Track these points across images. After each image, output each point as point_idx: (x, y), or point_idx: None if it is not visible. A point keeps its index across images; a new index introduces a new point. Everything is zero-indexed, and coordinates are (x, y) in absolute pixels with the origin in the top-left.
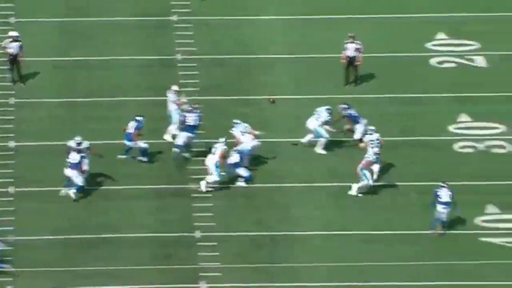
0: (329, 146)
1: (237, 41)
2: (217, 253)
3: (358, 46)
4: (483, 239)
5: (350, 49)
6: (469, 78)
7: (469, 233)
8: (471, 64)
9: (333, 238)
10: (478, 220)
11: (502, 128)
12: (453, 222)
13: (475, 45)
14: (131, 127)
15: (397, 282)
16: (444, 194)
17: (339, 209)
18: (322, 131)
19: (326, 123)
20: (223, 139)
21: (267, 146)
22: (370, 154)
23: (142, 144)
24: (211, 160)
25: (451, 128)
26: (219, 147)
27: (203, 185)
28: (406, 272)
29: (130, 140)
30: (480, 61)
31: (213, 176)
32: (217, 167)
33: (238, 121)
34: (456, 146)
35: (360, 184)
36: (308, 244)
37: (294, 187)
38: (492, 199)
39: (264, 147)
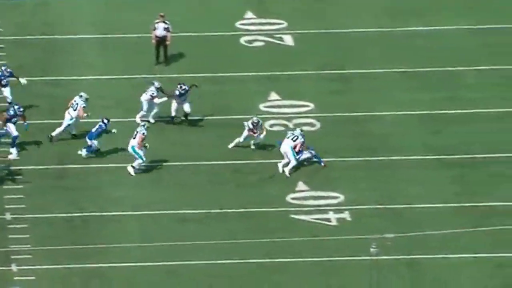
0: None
1: (44, 22)
2: (28, 235)
3: (167, 26)
4: (294, 216)
5: (160, 28)
6: (278, 57)
7: (280, 210)
8: (280, 42)
9: (145, 218)
10: (289, 198)
11: (311, 105)
12: (264, 200)
13: (283, 23)
14: None
15: (211, 261)
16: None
17: (151, 189)
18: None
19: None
20: (143, 124)
21: (78, 127)
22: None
23: None
24: (130, 144)
25: (261, 106)
26: (139, 132)
27: (131, 170)
28: (219, 250)
29: None
30: (288, 39)
31: (138, 160)
32: (135, 151)
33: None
34: (267, 124)
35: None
36: (121, 225)
37: (108, 167)
38: (302, 177)
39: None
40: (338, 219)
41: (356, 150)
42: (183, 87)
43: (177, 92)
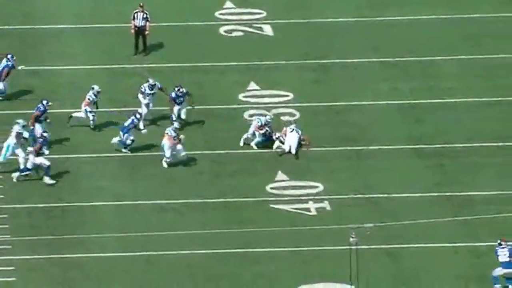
0: (121, 117)
1: (23, 12)
2: (7, 226)
3: (146, 15)
4: (273, 206)
5: (139, 18)
6: (257, 47)
7: (259, 200)
8: (259, 32)
9: (124, 208)
10: (268, 187)
11: (291, 95)
12: (244, 189)
13: (262, 13)
14: None
15: (190, 251)
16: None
17: (130, 180)
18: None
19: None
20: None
21: (59, 117)
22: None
23: None
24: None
25: (240, 96)
26: (167, 132)
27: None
28: (198, 240)
29: None
30: (267, 29)
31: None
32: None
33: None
34: (246, 114)
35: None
36: (100, 215)
37: (85, 158)
38: (281, 167)
39: (56, 118)
40: (318, 209)
41: (335, 140)
42: (181, 89)
43: (173, 94)
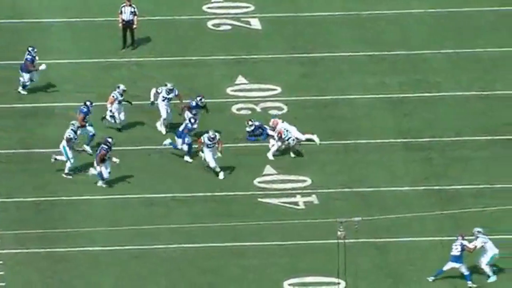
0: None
1: (11, 6)
2: None
3: (134, 10)
4: (261, 199)
5: (127, 12)
6: (245, 40)
7: (247, 194)
8: (247, 26)
9: (112, 202)
10: (256, 181)
11: (278, 89)
12: (231, 183)
13: (250, 7)
14: None
15: (178, 245)
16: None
17: (118, 173)
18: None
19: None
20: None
21: (45, 110)
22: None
23: None
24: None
25: (228, 90)
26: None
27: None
28: (186, 234)
29: None
30: (255, 23)
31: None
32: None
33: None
34: (234, 108)
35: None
36: (88, 209)
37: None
38: (269, 160)
39: (43, 111)
40: (306, 203)
41: (323, 133)
42: (203, 100)
43: (193, 103)
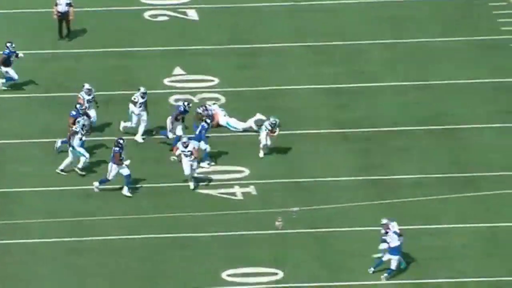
0: (44, 102)
1: None
2: None
3: (69, 1)
4: (199, 191)
5: (62, 4)
6: (182, 31)
7: (186, 185)
8: (184, 17)
9: (49, 194)
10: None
11: (216, 80)
12: (169, 175)
13: None
14: None
15: (116, 237)
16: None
17: (55, 166)
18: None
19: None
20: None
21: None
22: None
23: None
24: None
25: (166, 81)
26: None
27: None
28: (124, 226)
29: None
30: (192, 14)
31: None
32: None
33: None
34: (172, 99)
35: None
36: (25, 201)
37: (10, 143)
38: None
39: None
40: (244, 194)
41: (261, 124)
42: (190, 105)
43: (181, 109)
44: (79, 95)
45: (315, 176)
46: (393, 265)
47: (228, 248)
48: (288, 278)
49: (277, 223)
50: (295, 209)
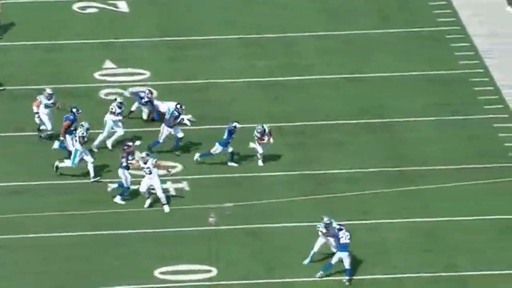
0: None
1: None
2: None
3: None
4: (131, 186)
5: None
6: (112, 24)
7: (115, 181)
8: (114, 9)
9: None
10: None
11: (147, 73)
12: (99, 171)
13: None
14: None
15: (43, 234)
16: None
17: None
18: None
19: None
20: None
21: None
22: None
23: None
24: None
25: (96, 75)
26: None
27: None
28: (53, 222)
29: None
30: (122, 5)
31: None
32: None
33: None
34: (102, 93)
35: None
36: None
37: None
38: (138, 147)
39: None
40: (176, 189)
41: (194, 118)
42: (183, 107)
43: (175, 113)
44: (38, 98)
45: (250, 171)
46: (347, 263)
47: (161, 245)
48: (222, 275)
49: (210, 219)
50: (228, 204)
